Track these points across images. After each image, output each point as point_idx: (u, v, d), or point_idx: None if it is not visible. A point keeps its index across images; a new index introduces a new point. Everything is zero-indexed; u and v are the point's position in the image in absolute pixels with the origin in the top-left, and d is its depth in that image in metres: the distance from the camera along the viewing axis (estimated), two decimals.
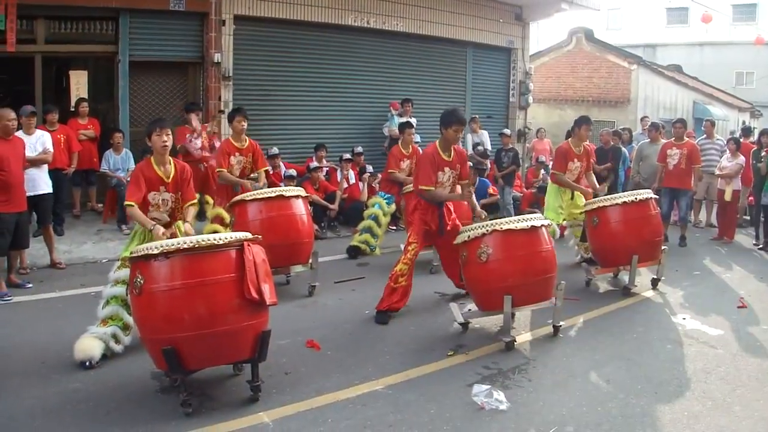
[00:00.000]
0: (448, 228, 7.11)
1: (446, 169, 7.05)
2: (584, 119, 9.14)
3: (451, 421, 4.86)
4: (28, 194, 8.39)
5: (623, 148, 13.78)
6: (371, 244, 10.16)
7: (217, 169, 8.53)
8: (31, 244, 8.59)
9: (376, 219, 10.14)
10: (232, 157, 8.54)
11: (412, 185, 8.19)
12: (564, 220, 9.02)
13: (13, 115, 7.64)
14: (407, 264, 7.06)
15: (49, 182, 8.90)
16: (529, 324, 7.11)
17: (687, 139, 11.83)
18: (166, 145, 5.93)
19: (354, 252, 10.13)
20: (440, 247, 7.64)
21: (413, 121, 11.82)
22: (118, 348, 5.85)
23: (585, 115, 9.57)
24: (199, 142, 9.84)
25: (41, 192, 8.70)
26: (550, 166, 10.30)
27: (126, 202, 5.89)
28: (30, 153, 8.49)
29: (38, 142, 8.70)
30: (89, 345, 5.68)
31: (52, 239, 9.08)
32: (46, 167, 8.83)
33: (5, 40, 10.22)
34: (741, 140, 13.22)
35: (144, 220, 5.80)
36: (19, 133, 8.53)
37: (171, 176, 5.99)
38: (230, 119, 8.84)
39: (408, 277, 7.10)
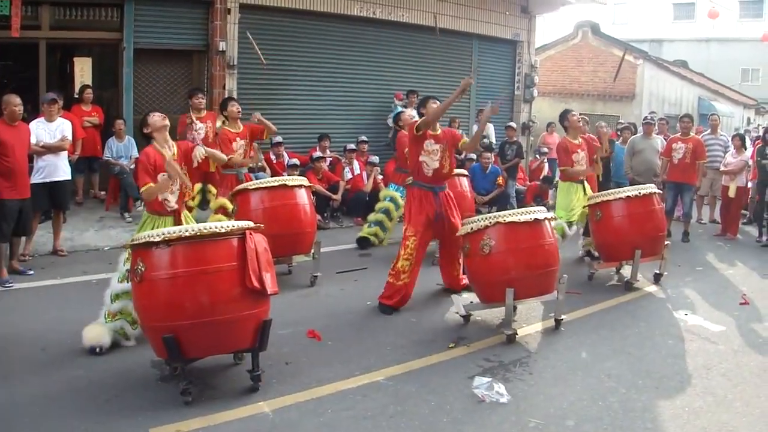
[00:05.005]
0: (452, 221, 7.11)
1: (430, 142, 7.06)
2: (565, 111, 9.19)
3: (452, 413, 4.86)
4: (46, 180, 8.46)
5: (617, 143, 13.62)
6: (380, 236, 10.13)
7: (228, 157, 8.49)
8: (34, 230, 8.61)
9: (387, 212, 10.08)
10: (233, 144, 8.54)
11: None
12: (575, 221, 8.88)
13: (18, 100, 7.62)
14: (408, 259, 7.03)
15: (68, 169, 8.91)
16: (530, 317, 7.10)
17: (693, 134, 11.79)
18: (165, 123, 5.93)
19: (364, 243, 10.10)
20: (442, 245, 7.63)
21: (413, 111, 11.80)
22: (129, 344, 5.86)
23: (563, 110, 9.49)
24: (202, 132, 9.69)
25: (60, 179, 8.70)
26: (557, 163, 10.21)
27: (142, 189, 5.82)
28: (50, 140, 8.54)
29: (58, 129, 8.67)
30: (98, 332, 5.70)
31: (61, 226, 9.09)
32: (65, 154, 8.82)
33: (10, 26, 10.18)
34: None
35: (160, 184, 5.71)
36: (41, 120, 8.59)
37: (175, 153, 5.95)
38: (223, 108, 8.82)
39: (410, 273, 7.09)
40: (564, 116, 9.02)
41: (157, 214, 5.88)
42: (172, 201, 5.92)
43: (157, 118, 5.94)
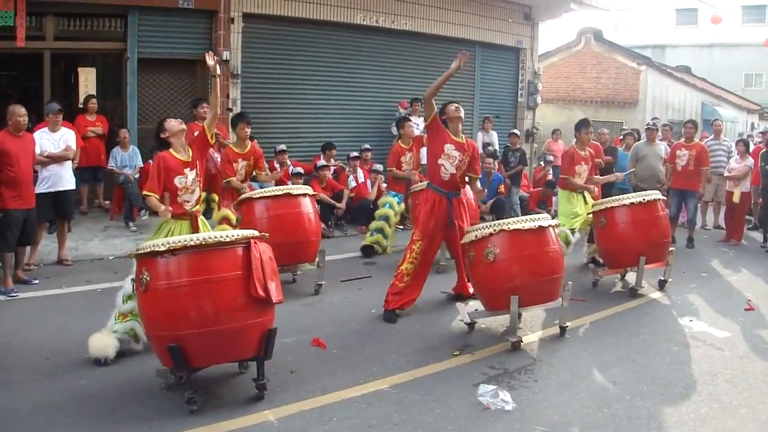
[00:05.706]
0: (463, 228, 7.08)
1: (451, 147, 7.05)
2: (583, 123, 9.05)
3: (456, 421, 4.85)
4: (51, 190, 8.50)
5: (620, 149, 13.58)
6: (383, 244, 10.13)
7: (225, 181, 8.47)
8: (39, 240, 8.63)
9: (387, 219, 10.09)
10: (235, 164, 8.51)
11: (419, 184, 8.14)
12: (579, 227, 8.87)
13: (24, 111, 7.64)
14: (413, 263, 7.05)
15: (72, 179, 8.96)
16: (535, 324, 7.09)
17: (696, 140, 11.76)
18: (182, 128, 6.01)
19: (368, 251, 10.12)
20: (453, 250, 7.59)
21: (420, 120, 11.84)
22: (138, 347, 5.85)
23: (583, 118, 9.44)
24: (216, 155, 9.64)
25: (64, 188, 8.74)
26: (560, 170, 10.20)
27: (144, 192, 5.93)
28: (54, 150, 8.58)
29: (62, 139, 8.73)
30: (104, 342, 5.68)
31: (65, 236, 9.11)
32: (69, 164, 8.86)
33: (15, 36, 10.22)
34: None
35: (156, 205, 5.83)
36: (45, 130, 8.64)
37: (191, 155, 6.02)
38: (233, 125, 8.71)
39: (413, 276, 7.09)
40: (581, 127, 8.96)
41: (176, 218, 5.92)
42: (192, 200, 6.03)
43: (174, 123, 6.02)
